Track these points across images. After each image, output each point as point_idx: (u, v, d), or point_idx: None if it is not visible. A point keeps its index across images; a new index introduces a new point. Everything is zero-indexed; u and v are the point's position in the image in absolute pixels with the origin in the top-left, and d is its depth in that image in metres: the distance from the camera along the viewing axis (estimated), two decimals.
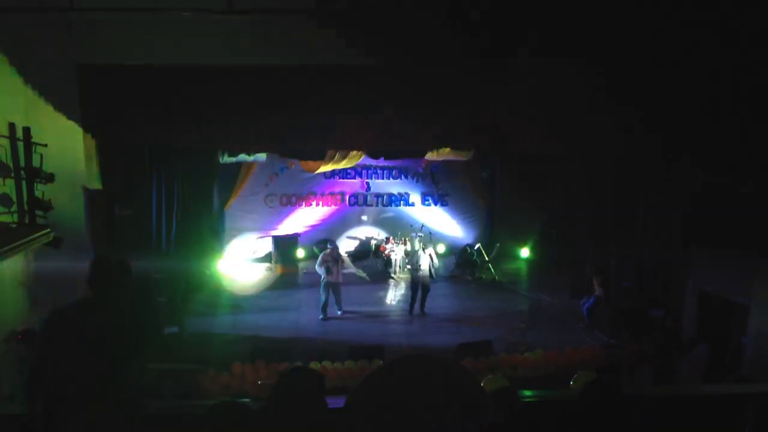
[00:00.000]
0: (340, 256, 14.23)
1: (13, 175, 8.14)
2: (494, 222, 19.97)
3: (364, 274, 17.81)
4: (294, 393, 3.12)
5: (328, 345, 12.18)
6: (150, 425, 4.50)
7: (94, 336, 3.77)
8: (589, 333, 13.39)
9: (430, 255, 14.20)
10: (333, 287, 13.92)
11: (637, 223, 13.54)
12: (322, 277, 13.81)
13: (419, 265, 14.00)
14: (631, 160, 12.66)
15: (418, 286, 14.10)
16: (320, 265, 13.77)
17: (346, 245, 19.22)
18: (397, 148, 13.20)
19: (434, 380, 1.50)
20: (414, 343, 12.60)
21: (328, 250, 14.06)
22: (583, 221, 15.68)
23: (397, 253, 17.77)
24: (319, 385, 3.21)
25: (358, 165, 18.47)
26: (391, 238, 18.41)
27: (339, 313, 14.07)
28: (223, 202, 17.71)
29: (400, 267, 17.65)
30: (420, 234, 18.56)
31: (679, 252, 12.97)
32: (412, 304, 14.28)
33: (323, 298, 13.86)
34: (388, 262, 17.82)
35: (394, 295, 15.95)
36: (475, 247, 18.09)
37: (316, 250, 18.20)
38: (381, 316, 14.46)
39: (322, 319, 13.83)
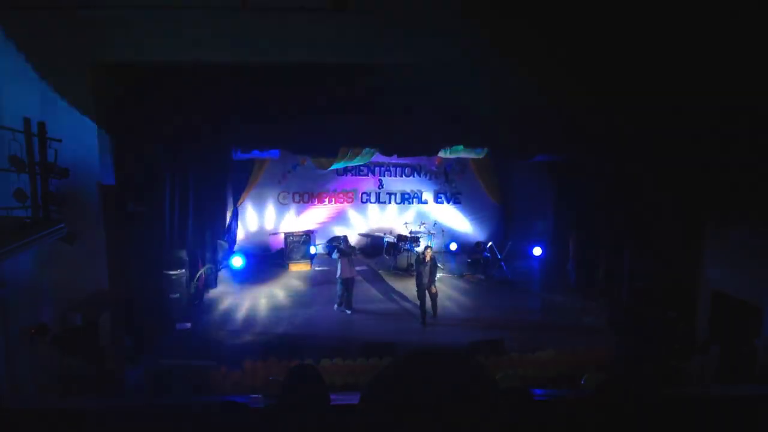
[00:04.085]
0: (353, 249, 14.32)
1: (27, 170, 8.17)
2: (507, 220, 19.92)
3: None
4: (293, 391, 3.15)
5: (341, 342, 12.20)
6: (162, 420, 4.53)
7: None
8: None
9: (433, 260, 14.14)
10: (347, 283, 14.07)
11: (651, 222, 13.47)
12: (338, 273, 14.02)
13: (425, 275, 13.87)
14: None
15: (424, 293, 13.93)
16: (336, 257, 14.15)
17: (358, 243, 19.25)
18: (410, 146, 13.17)
19: (449, 375, 1.50)
20: (426, 341, 12.61)
21: (342, 245, 14.30)
22: (596, 221, 15.61)
23: (410, 250, 17.72)
24: (312, 379, 3.22)
25: (371, 162, 18.48)
26: (406, 234, 18.39)
27: (348, 312, 14.13)
28: (237, 199, 17.78)
29: (411, 265, 17.56)
30: (432, 231, 18.53)
31: (694, 253, 12.93)
32: (423, 315, 13.82)
33: (339, 291, 14.17)
34: (399, 260, 17.80)
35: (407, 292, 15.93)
36: (488, 245, 18.05)
37: (327, 249, 18.33)
38: (393, 313, 14.44)
39: (337, 309, 14.21)
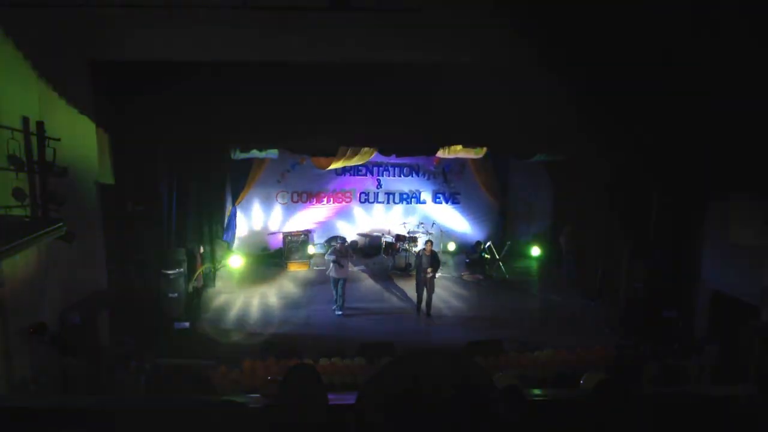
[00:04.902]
0: (349, 251, 14.29)
1: (26, 169, 8.16)
2: (505, 220, 19.92)
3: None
4: (293, 390, 3.15)
5: (339, 341, 12.19)
6: (160, 419, 4.53)
7: None
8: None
9: (434, 255, 14.23)
10: (336, 282, 14.01)
11: (650, 223, 13.50)
12: (330, 273, 13.99)
13: (423, 267, 14.00)
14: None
15: (423, 287, 14.08)
16: (329, 258, 14.00)
17: (356, 242, 19.24)
18: (408, 146, 13.20)
19: (446, 376, 1.50)
20: (424, 341, 12.61)
21: (338, 245, 14.24)
22: (595, 221, 15.62)
23: (409, 250, 17.74)
24: (311, 379, 3.23)
25: (369, 162, 18.46)
26: (404, 234, 18.39)
27: (339, 313, 14.03)
28: (235, 198, 17.76)
29: (409, 264, 17.56)
30: (431, 232, 18.51)
31: (692, 253, 12.96)
32: (419, 305, 14.30)
33: (335, 293, 14.10)
34: (397, 260, 17.80)
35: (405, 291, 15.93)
36: (486, 245, 18.05)
37: (325, 247, 18.30)
38: (391, 313, 14.44)
39: (340, 314, 14.05)
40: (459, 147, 15.75)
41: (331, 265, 13.95)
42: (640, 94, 9.84)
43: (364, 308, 14.46)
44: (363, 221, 19.64)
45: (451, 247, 19.45)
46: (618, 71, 9.63)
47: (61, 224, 8.01)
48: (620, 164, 13.39)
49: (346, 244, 14.49)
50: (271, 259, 18.20)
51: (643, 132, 10.60)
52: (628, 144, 11.35)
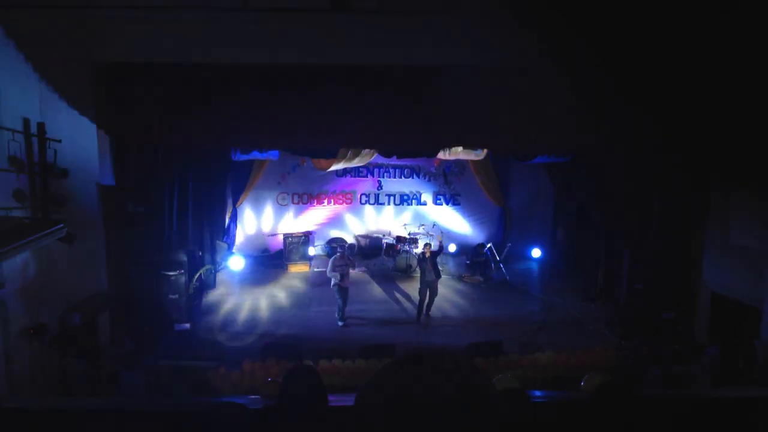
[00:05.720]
0: (350, 260, 14.00)
1: (27, 170, 8.17)
2: (506, 222, 19.91)
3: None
4: (292, 391, 3.16)
5: (339, 343, 12.19)
6: (160, 421, 4.53)
7: None
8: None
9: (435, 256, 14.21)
10: (343, 291, 13.60)
11: (650, 224, 13.49)
12: (333, 282, 13.58)
13: (428, 272, 13.96)
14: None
15: (426, 290, 14.04)
16: (332, 270, 13.51)
17: (357, 244, 19.23)
18: (409, 147, 13.18)
19: (445, 377, 1.50)
20: (425, 342, 12.59)
21: (338, 255, 13.79)
22: (595, 223, 15.63)
23: (409, 252, 17.74)
24: (311, 380, 3.23)
25: (370, 164, 18.47)
26: (405, 236, 18.38)
27: (340, 324, 13.61)
28: (236, 200, 17.76)
29: (409, 266, 17.57)
30: (431, 233, 18.51)
31: (693, 255, 12.96)
32: (420, 307, 14.10)
33: (340, 302, 13.59)
34: (398, 261, 17.79)
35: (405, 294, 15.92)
36: (487, 247, 18.05)
37: (326, 250, 18.31)
38: (392, 314, 14.42)
39: (343, 326, 13.59)
40: (460, 148, 15.76)
41: (335, 274, 13.46)
42: (643, 89, 9.83)
43: (365, 310, 14.44)
44: (364, 222, 19.63)
45: (452, 248, 19.43)
46: (623, 63, 9.61)
47: (61, 225, 8.01)
48: (621, 162, 13.39)
49: (346, 249, 14.22)
50: (271, 260, 18.18)
51: (647, 127, 10.57)
52: (632, 141, 11.34)
